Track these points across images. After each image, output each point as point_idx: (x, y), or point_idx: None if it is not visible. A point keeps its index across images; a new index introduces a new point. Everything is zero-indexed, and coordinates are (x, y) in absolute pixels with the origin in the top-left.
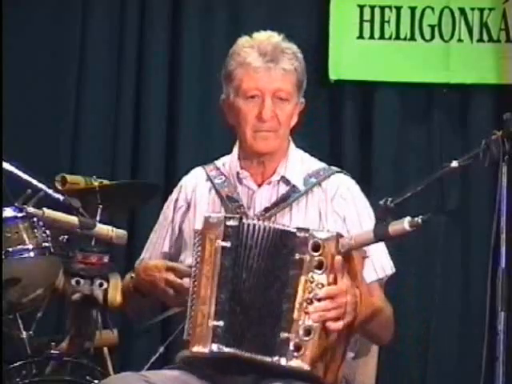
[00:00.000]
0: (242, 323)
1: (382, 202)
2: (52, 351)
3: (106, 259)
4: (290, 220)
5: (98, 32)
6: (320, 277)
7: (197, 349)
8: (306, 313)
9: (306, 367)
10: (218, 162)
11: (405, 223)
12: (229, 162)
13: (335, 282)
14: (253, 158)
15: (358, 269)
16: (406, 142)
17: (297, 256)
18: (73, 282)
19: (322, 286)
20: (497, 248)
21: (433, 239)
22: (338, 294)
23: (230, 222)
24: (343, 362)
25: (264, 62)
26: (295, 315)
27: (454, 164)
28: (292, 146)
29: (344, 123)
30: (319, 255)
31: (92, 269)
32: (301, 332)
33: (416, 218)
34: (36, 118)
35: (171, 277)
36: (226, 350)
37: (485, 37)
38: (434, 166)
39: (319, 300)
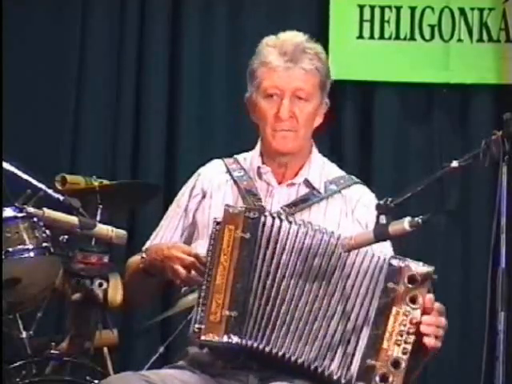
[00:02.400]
0: (263, 317)
1: (382, 202)
2: (52, 351)
3: (105, 259)
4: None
5: (98, 32)
6: (414, 312)
7: (208, 337)
8: (397, 344)
9: None
10: (239, 157)
11: (405, 223)
12: (250, 157)
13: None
14: (274, 158)
15: None
16: (406, 142)
17: (389, 285)
18: (73, 282)
19: (416, 322)
20: (497, 248)
21: (433, 239)
22: (442, 313)
23: (250, 214)
24: None
25: (284, 61)
26: (384, 344)
27: (454, 164)
28: (315, 149)
29: (344, 123)
30: (415, 289)
31: (92, 269)
32: (389, 362)
33: (416, 218)
34: (36, 118)
35: (182, 255)
36: (239, 341)
37: (485, 37)
38: (434, 166)
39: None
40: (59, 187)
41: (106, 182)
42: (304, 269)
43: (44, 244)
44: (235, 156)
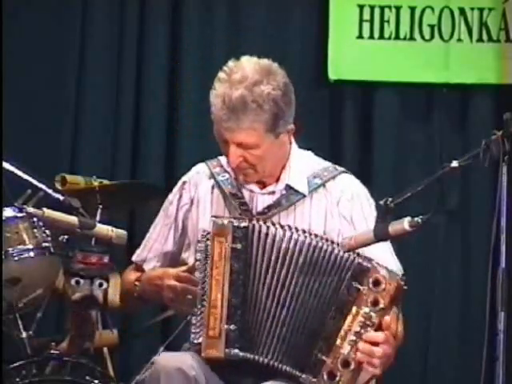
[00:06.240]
0: (256, 327)
1: (382, 202)
2: (52, 351)
3: (105, 259)
4: (293, 223)
5: (98, 32)
6: (373, 314)
7: (210, 353)
8: (350, 344)
9: None
10: (222, 159)
11: (405, 223)
12: None
13: (381, 324)
14: None
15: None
16: (406, 142)
17: (354, 284)
18: (73, 282)
19: (373, 324)
20: (497, 248)
21: (433, 239)
22: (384, 342)
23: (240, 224)
24: None
25: (226, 115)
26: (338, 342)
27: (454, 164)
28: (294, 149)
29: (344, 123)
30: (378, 292)
31: (92, 269)
32: (339, 360)
33: (416, 218)
34: (36, 118)
35: (173, 283)
36: (241, 354)
37: (484, 37)
38: (434, 166)
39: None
40: (59, 187)
41: (105, 182)
42: (297, 275)
43: (44, 244)
44: (219, 158)
